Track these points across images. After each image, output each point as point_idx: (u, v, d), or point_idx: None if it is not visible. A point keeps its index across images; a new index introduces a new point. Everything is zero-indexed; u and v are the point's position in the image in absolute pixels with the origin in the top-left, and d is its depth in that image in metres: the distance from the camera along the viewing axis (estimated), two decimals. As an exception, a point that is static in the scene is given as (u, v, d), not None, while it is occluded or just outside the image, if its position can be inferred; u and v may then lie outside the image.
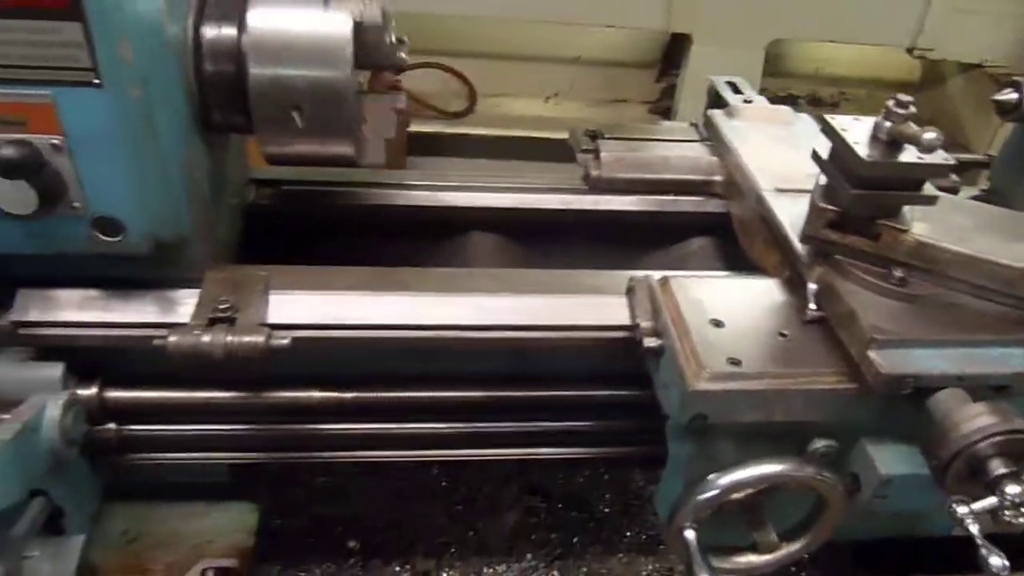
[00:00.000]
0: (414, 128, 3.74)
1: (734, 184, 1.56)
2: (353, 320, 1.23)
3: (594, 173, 1.59)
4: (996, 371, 1.10)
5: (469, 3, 3.67)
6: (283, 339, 1.15)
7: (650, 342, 1.20)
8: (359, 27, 1.13)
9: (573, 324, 1.28)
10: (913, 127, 1.08)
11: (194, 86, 1.14)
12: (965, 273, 1.15)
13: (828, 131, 1.18)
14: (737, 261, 1.56)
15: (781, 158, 1.54)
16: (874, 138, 1.14)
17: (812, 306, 1.21)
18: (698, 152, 1.67)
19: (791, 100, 4.35)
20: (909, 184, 1.14)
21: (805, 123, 1.69)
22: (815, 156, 1.22)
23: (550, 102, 4.20)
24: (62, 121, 1.02)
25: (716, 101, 1.87)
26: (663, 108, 4.13)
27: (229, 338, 1.13)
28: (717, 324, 1.19)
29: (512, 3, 3.67)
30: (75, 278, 1.21)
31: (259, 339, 1.13)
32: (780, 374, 1.12)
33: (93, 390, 1.28)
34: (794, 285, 1.29)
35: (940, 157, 1.08)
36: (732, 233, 1.59)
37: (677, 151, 1.67)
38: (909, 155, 1.11)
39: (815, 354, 1.16)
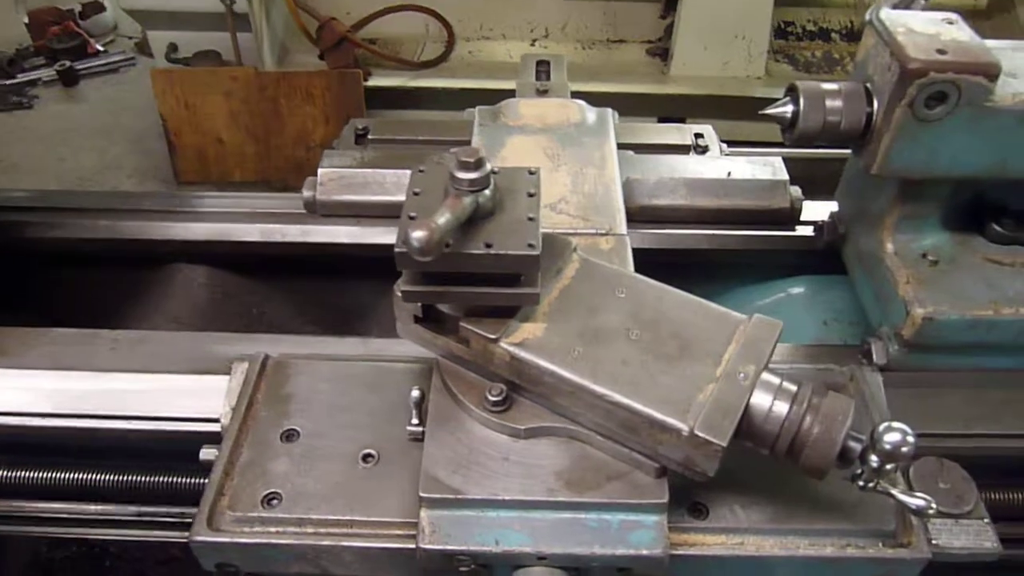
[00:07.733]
0: (373, 83, 3.46)
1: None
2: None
3: (307, 194, 1.30)
4: (594, 550, 0.77)
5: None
6: None
7: (207, 453, 0.93)
8: None
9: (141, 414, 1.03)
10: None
11: None
12: (576, 405, 0.80)
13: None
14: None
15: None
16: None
17: (415, 420, 0.90)
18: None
19: (823, 35, 3.72)
20: (499, 279, 0.80)
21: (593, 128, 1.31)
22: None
23: (537, 45, 3.77)
24: None
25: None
26: (662, 49, 3.62)
27: None
28: (290, 436, 0.92)
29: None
30: None
31: None
32: (330, 522, 0.84)
33: None
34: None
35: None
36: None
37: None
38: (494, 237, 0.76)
39: (396, 494, 0.86)
